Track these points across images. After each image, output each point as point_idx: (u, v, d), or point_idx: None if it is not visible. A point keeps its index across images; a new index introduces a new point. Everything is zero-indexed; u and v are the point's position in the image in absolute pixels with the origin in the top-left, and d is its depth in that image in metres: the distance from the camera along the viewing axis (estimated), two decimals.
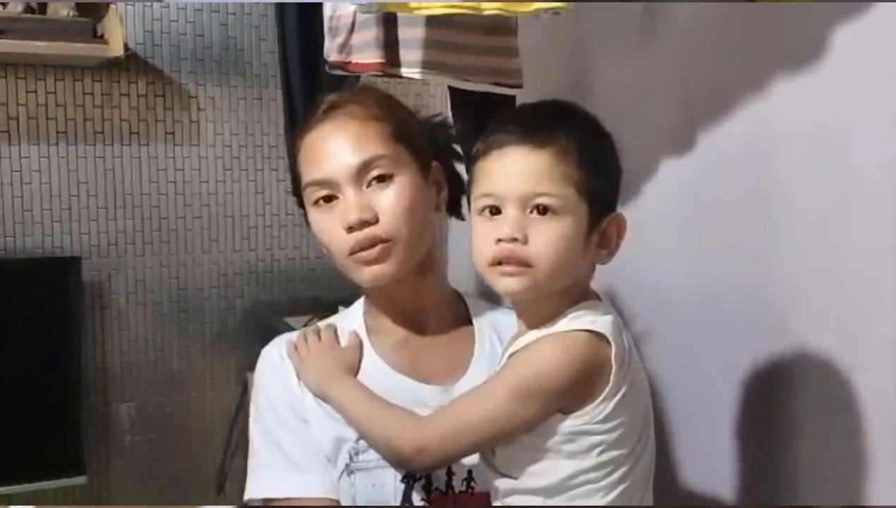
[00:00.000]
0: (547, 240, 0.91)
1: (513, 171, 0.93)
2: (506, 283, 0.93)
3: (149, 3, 2.21)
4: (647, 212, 1.54)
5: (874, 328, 1.16)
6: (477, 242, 0.95)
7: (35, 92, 2.14)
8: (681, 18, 1.50)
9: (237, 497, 2.31)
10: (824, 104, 1.22)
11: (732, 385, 1.40)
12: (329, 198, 1.06)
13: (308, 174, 1.08)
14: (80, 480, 2.10)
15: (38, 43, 1.96)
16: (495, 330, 1.16)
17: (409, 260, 1.07)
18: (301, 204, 1.13)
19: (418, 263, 1.09)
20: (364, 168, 1.04)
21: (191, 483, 2.36)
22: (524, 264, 0.91)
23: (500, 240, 0.92)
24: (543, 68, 1.74)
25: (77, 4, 2.06)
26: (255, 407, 1.13)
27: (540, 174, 0.91)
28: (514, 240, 0.91)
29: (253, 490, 1.11)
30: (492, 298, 1.16)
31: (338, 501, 1.06)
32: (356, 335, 1.14)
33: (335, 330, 1.15)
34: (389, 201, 1.04)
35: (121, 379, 2.28)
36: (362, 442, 1.05)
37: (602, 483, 0.92)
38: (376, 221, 1.04)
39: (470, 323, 1.17)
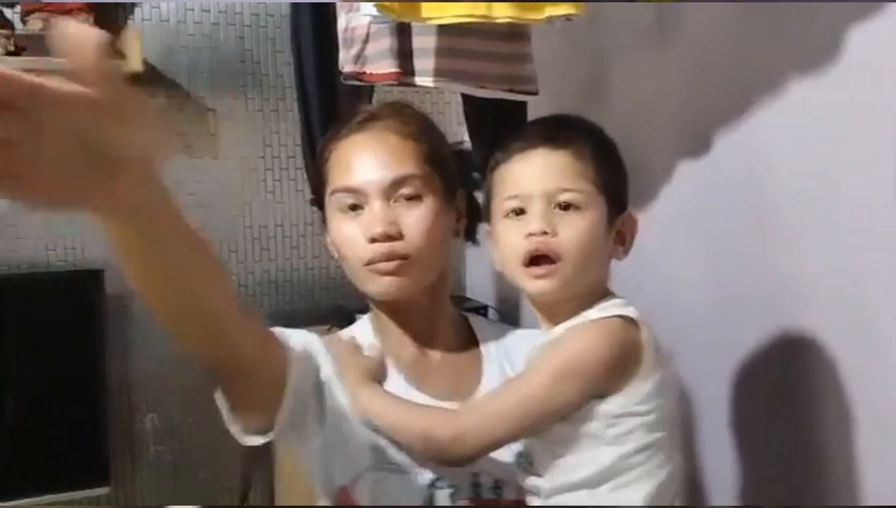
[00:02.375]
0: (575, 233, 0.94)
1: (536, 171, 0.97)
2: (537, 285, 0.96)
3: (166, 19, 2.24)
4: (659, 215, 1.54)
5: (886, 329, 1.16)
6: (506, 242, 0.98)
7: None
8: (694, 23, 1.50)
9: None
10: (839, 107, 1.22)
11: (743, 388, 1.40)
12: (354, 207, 1.07)
13: (338, 180, 1.08)
14: (104, 490, 2.13)
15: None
16: (503, 350, 1.16)
17: (423, 280, 1.08)
18: (320, 206, 1.14)
19: (430, 284, 1.10)
20: (396, 184, 1.05)
21: (214, 493, 2.38)
22: (555, 256, 0.94)
23: (529, 235, 0.94)
24: (558, 74, 1.74)
25: (95, 20, 2.08)
26: None
27: (562, 172, 0.96)
28: (544, 233, 0.94)
29: None
30: (510, 312, 1.16)
31: (286, 352, 1.02)
32: (377, 347, 1.13)
33: (356, 341, 1.15)
34: (414, 220, 1.05)
35: (144, 389, 2.31)
36: (390, 445, 1.04)
37: (644, 468, 0.93)
38: (400, 237, 1.05)
39: (475, 344, 1.17)
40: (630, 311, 0.95)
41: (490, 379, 1.12)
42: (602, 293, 0.99)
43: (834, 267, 1.24)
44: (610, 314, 0.95)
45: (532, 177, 0.97)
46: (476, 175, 1.21)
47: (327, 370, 1.09)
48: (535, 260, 0.95)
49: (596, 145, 0.99)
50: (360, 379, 1.08)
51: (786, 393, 1.32)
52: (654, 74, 1.61)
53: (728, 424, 1.43)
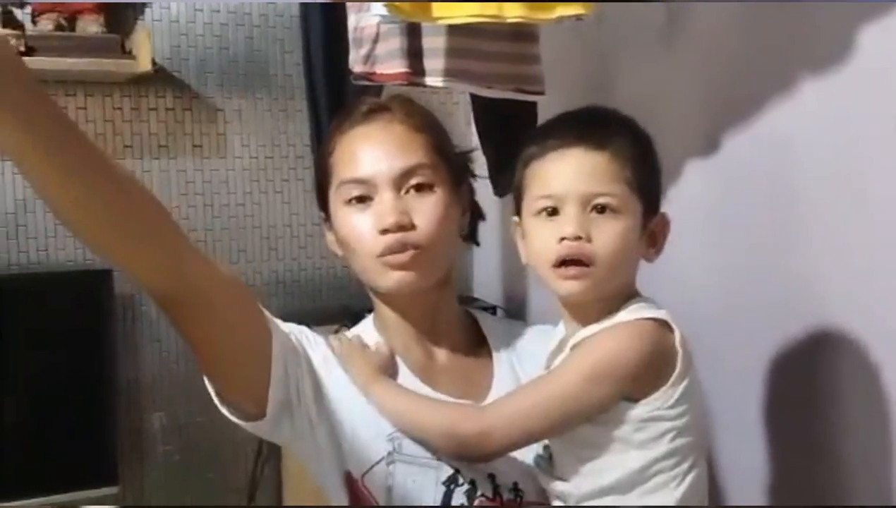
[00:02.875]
0: (609, 238, 0.93)
1: (572, 172, 0.95)
2: (568, 286, 0.94)
3: (176, 20, 2.25)
4: (671, 214, 1.54)
5: None
6: (538, 243, 0.96)
7: (66, 108, 2.18)
8: (703, 22, 1.50)
9: (268, 506, 2.34)
10: (849, 107, 1.22)
11: (762, 387, 1.39)
12: (363, 199, 1.05)
13: (344, 172, 1.07)
14: (112, 490, 2.12)
15: (68, 60, 2.01)
16: (513, 349, 1.15)
17: (435, 272, 1.07)
18: (323, 202, 1.12)
19: (436, 281, 1.09)
20: (407, 173, 1.04)
21: (222, 493, 2.38)
22: (588, 261, 0.93)
23: (563, 239, 0.93)
24: (566, 74, 1.74)
25: (106, 21, 2.09)
26: None
27: (599, 174, 0.94)
28: (579, 238, 0.92)
29: None
30: (517, 311, 1.15)
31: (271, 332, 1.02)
32: (390, 346, 1.12)
33: (362, 340, 1.14)
34: (427, 210, 1.04)
35: (152, 389, 2.31)
36: (404, 436, 1.03)
37: (673, 473, 0.93)
38: (412, 227, 1.03)
39: (484, 343, 1.16)
40: (662, 314, 0.95)
41: (501, 380, 1.11)
42: (630, 294, 0.99)
43: (849, 265, 1.24)
44: (642, 316, 0.94)
45: (567, 177, 0.95)
46: (474, 177, 1.20)
47: (321, 356, 1.08)
48: (567, 261, 0.94)
49: (633, 144, 0.97)
50: (372, 374, 1.06)
51: (804, 393, 1.32)
52: (663, 74, 1.61)
53: (746, 425, 1.43)
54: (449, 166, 1.08)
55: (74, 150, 0.75)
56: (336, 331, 2.13)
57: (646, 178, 0.97)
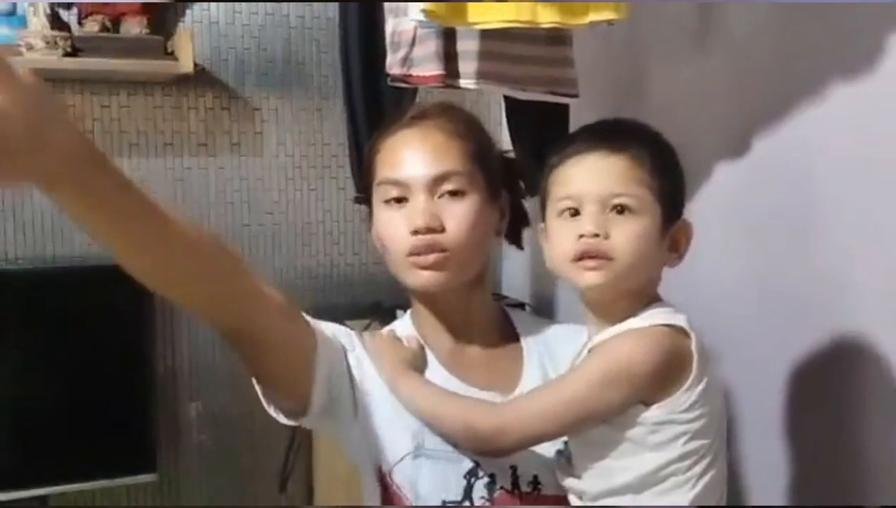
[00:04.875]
0: (627, 235, 0.95)
1: (592, 174, 0.98)
2: (587, 277, 0.97)
3: (216, 21, 2.30)
4: (701, 216, 1.55)
5: None
6: (558, 242, 0.99)
7: (109, 107, 2.24)
8: (735, 25, 1.51)
9: (299, 494, 2.38)
10: (879, 111, 1.22)
11: (786, 389, 1.40)
12: (400, 200, 1.10)
13: (384, 172, 1.12)
14: (150, 477, 2.17)
15: (113, 60, 2.05)
16: (543, 344, 1.18)
17: (461, 274, 1.10)
18: (367, 201, 1.17)
19: (470, 279, 1.13)
20: (440, 179, 1.08)
21: (255, 481, 2.43)
22: (605, 257, 0.95)
23: (581, 236, 0.96)
24: (598, 77, 1.76)
25: (149, 22, 2.14)
26: None
27: (618, 176, 0.97)
28: (596, 235, 0.95)
29: None
30: (545, 310, 1.17)
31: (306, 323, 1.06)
32: (417, 340, 1.16)
33: (395, 334, 1.18)
34: (457, 214, 1.08)
35: (189, 379, 2.37)
36: (428, 432, 1.07)
37: (687, 475, 0.94)
38: (441, 230, 1.07)
39: (516, 338, 1.19)
40: (679, 319, 0.96)
41: (530, 374, 1.15)
42: (651, 298, 1.00)
43: (877, 266, 1.24)
44: (658, 322, 0.96)
45: (587, 179, 0.98)
46: (521, 183, 1.23)
47: (357, 356, 1.12)
48: (586, 256, 0.96)
49: (654, 151, 0.99)
50: (400, 368, 1.10)
51: (830, 393, 1.32)
52: (695, 76, 1.62)
53: (771, 425, 1.43)
54: (486, 173, 1.12)
55: (137, 216, 0.79)
56: (367, 327, 2.18)
57: (666, 184, 0.98)
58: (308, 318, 1.07)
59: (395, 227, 1.10)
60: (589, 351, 0.99)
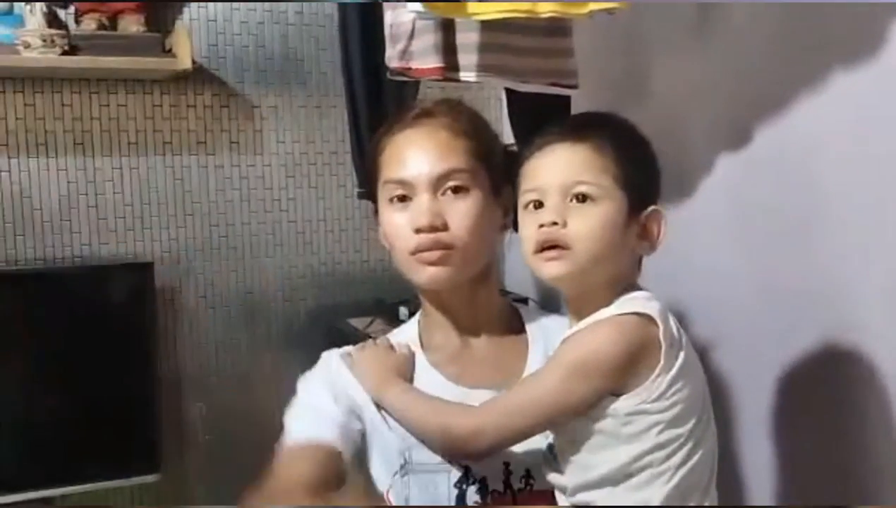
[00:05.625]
0: (585, 223, 0.96)
1: (554, 165, 0.99)
2: (548, 268, 0.97)
3: (213, 18, 2.29)
4: (699, 209, 1.55)
5: None
6: (522, 233, 1.01)
7: (108, 105, 2.23)
8: (735, 16, 1.51)
9: None
10: (879, 103, 1.22)
11: (786, 380, 1.40)
12: (404, 198, 1.11)
13: (389, 172, 1.13)
14: (154, 477, 2.17)
15: (110, 58, 2.05)
16: (548, 337, 1.18)
17: (466, 270, 1.11)
18: (373, 198, 1.18)
19: (475, 274, 1.13)
20: (443, 177, 1.09)
21: (259, 481, 2.42)
22: (563, 246, 0.96)
23: (541, 226, 0.97)
24: (599, 68, 1.76)
25: (146, 20, 2.13)
26: (297, 393, 1.17)
27: (579, 165, 0.98)
28: (554, 224, 0.96)
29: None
30: (548, 305, 1.17)
31: (340, 451, 1.07)
32: (408, 346, 1.18)
33: (389, 341, 1.19)
34: (460, 212, 1.09)
35: (192, 379, 2.36)
36: (415, 443, 1.08)
37: (663, 467, 0.94)
38: (444, 228, 1.09)
39: (523, 332, 1.20)
40: (649, 307, 0.95)
41: (534, 364, 1.14)
42: (626, 288, 1.00)
43: (877, 261, 1.24)
44: (626, 311, 0.95)
45: (550, 170, 0.99)
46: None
47: (358, 392, 1.13)
48: (548, 247, 0.97)
49: (619, 140, 0.99)
50: (386, 379, 1.11)
51: (829, 389, 1.33)
52: (695, 68, 1.62)
53: (768, 421, 1.44)
54: (490, 170, 1.13)
55: None
56: (369, 324, 2.17)
57: (632, 172, 0.98)
58: (339, 462, 1.06)
59: (399, 226, 1.11)
60: (560, 344, 0.99)
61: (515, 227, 1.21)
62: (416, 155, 1.11)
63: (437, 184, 1.09)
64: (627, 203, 0.98)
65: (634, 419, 0.94)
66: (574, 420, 0.97)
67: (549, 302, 2.23)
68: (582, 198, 0.96)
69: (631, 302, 0.97)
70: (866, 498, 1.26)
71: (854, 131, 1.27)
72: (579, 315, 1.01)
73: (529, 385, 1.00)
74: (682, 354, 0.95)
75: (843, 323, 1.29)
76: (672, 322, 0.96)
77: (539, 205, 0.99)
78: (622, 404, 0.94)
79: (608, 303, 0.98)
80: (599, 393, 0.94)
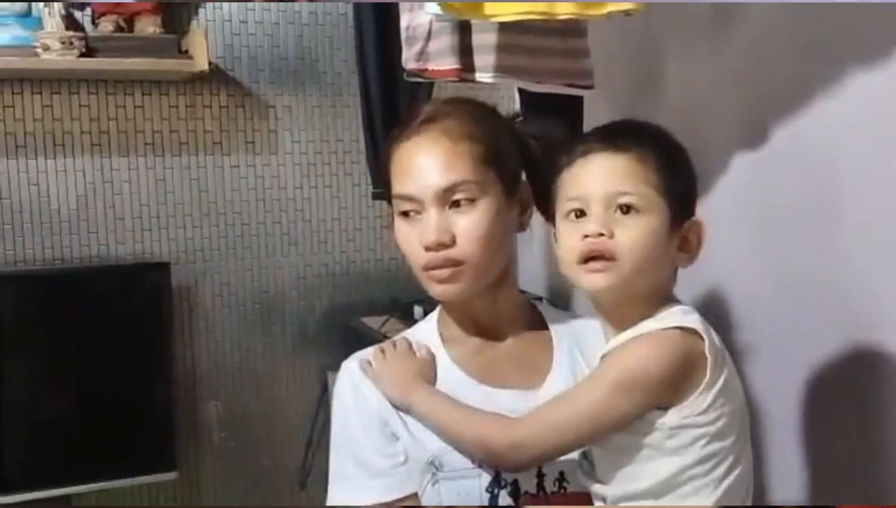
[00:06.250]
0: (631, 234, 0.94)
1: (597, 173, 0.97)
2: (592, 280, 0.96)
3: (228, 19, 2.30)
4: (718, 211, 1.54)
5: None
6: (564, 243, 0.99)
7: (124, 106, 2.25)
8: (750, 15, 1.50)
9: (319, 492, 2.39)
10: None
11: (811, 382, 1.39)
12: (413, 212, 1.09)
13: (397, 186, 1.11)
14: (170, 476, 2.18)
15: (128, 60, 2.06)
16: (573, 337, 1.17)
17: (478, 283, 1.10)
18: (388, 200, 1.16)
19: (491, 280, 1.12)
20: (449, 190, 1.07)
21: (275, 479, 2.44)
22: (610, 256, 0.94)
23: (586, 236, 0.95)
24: (614, 68, 1.76)
25: (163, 21, 2.14)
26: (333, 422, 1.17)
27: (623, 174, 0.96)
28: (601, 234, 0.94)
29: (333, 499, 1.14)
30: (561, 306, 1.17)
31: (417, 495, 1.08)
32: (427, 347, 1.16)
33: (409, 343, 1.18)
34: (468, 226, 1.07)
35: (208, 378, 2.37)
36: (443, 452, 1.07)
37: (708, 479, 0.93)
38: (453, 243, 1.06)
39: (546, 330, 1.18)
40: (691, 321, 0.94)
41: (560, 365, 1.14)
42: (664, 299, 0.99)
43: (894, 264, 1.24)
44: (669, 325, 0.94)
45: (592, 179, 0.97)
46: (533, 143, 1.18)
47: (383, 404, 1.12)
48: (592, 258, 0.95)
49: (661, 150, 0.98)
50: (411, 385, 1.10)
51: (854, 391, 1.32)
52: (710, 67, 1.61)
53: (793, 423, 1.43)
54: (500, 170, 1.10)
55: None
56: (384, 323, 2.18)
57: (674, 183, 0.97)
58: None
59: (410, 241, 1.10)
60: (602, 358, 0.98)
61: (549, 219, 1.19)
62: (421, 169, 1.08)
63: (444, 197, 1.07)
64: (669, 214, 0.96)
65: (680, 432, 0.93)
66: (618, 432, 0.96)
67: (563, 304, 2.23)
68: (626, 209, 0.95)
69: (672, 316, 0.96)
70: (888, 498, 1.26)
71: (873, 129, 1.26)
72: (616, 325, 1.00)
73: (572, 399, 0.98)
74: (726, 368, 0.95)
75: (868, 321, 1.29)
76: (714, 335, 0.95)
77: (581, 214, 0.97)
78: (668, 418, 0.93)
79: (646, 315, 0.97)
80: (644, 408, 0.93)
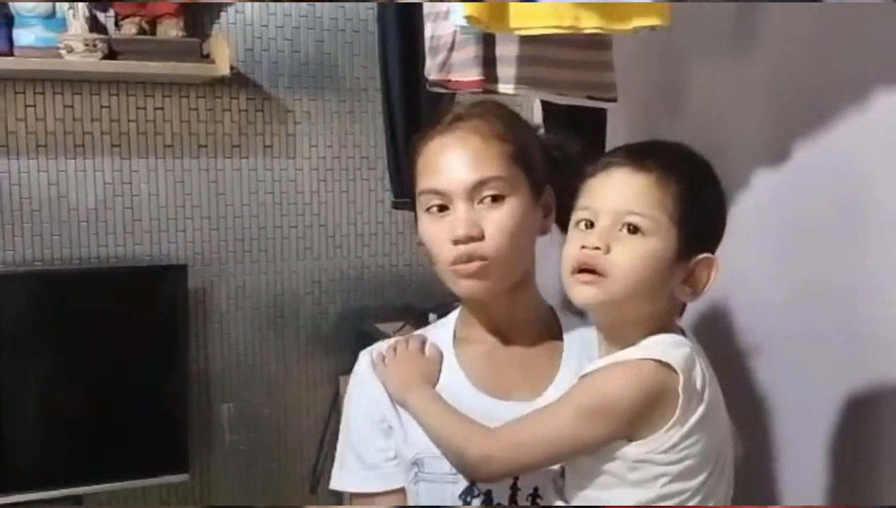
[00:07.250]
0: (629, 255, 0.92)
1: (612, 188, 0.96)
2: (580, 292, 0.95)
3: (250, 23, 2.31)
4: (740, 223, 1.54)
5: None
6: (565, 249, 0.98)
7: (144, 108, 2.26)
8: (773, 28, 1.50)
9: (329, 496, 2.39)
10: None
11: (831, 394, 1.39)
12: (441, 208, 1.09)
13: (424, 182, 1.11)
14: (183, 477, 2.19)
15: (150, 63, 2.07)
16: (585, 347, 1.16)
17: (504, 280, 1.10)
18: (412, 206, 1.17)
19: (514, 282, 1.12)
20: (479, 186, 1.07)
21: (286, 482, 2.45)
22: (601, 272, 0.93)
23: (583, 247, 0.94)
24: (637, 81, 1.75)
25: (185, 24, 2.15)
26: (343, 409, 1.22)
27: (637, 194, 0.94)
28: (597, 248, 0.93)
29: (333, 483, 1.20)
30: (573, 309, 1.16)
31: (404, 490, 1.13)
32: (437, 348, 1.18)
33: (423, 340, 1.19)
34: (497, 221, 1.07)
35: (222, 380, 2.38)
36: (427, 454, 1.08)
37: None
38: (482, 238, 1.07)
39: (560, 338, 1.18)
40: (671, 356, 0.91)
41: (567, 373, 1.13)
42: (660, 327, 0.96)
43: None
44: (647, 356, 0.91)
45: (607, 193, 0.96)
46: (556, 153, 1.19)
47: (384, 397, 1.15)
48: (585, 270, 0.94)
49: (686, 179, 0.95)
50: (411, 383, 1.11)
51: (874, 395, 1.32)
52: (733, 80, 1.61)
53: (812, 426, 1.43)
54: (528, 172, 1.10)
55: None
56: (399, 330, 2.18)
57: (692, 214, 0.94)
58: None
59: (437, 236, 1.10)
60: (581, 378, 0.97)
61: (564, 230, 1.20)
62: (451, 164, 1.08)
63: (473, 192, 1.07)
64: (678, 244, 0.93)
65: (641, 466, 0.91)
66: (585, 456, 0.95)
67: (576, 311, 2.23)
68: (633, 229, 0.93)
69: (655, 346, 0.93)
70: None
71: (893, 140, 1.26)
72: (608, 346, 0.99)
73: (540, 420, 0.97)
74: (700, 408, 0.91)
75: (875, 332, 1.29)
76: (697, 371, 0.92)
77: (589, 225, 0.96)
78: (631, 450, 0.91)
79: (632, 341, 0.95)
80: (611, 436, 0.92)
